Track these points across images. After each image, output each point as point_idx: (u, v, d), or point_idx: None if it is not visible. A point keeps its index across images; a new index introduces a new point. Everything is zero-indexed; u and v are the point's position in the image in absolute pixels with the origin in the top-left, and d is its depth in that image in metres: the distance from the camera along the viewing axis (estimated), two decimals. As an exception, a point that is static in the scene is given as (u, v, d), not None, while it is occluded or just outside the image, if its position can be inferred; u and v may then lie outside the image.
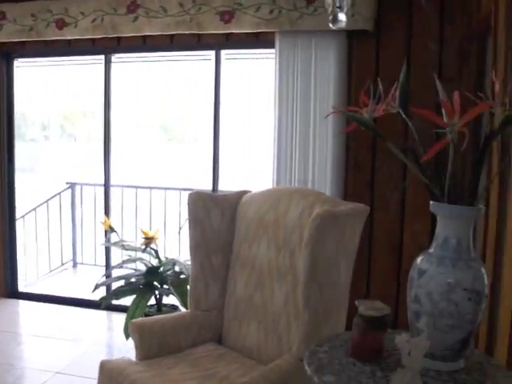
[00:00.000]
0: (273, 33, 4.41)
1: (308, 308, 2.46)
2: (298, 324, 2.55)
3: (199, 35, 4.69)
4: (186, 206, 3.10)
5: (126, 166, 6.17)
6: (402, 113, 1.92)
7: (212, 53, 4.79)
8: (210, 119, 4.84)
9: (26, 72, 5.74)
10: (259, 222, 2.95)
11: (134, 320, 2.95)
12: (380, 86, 1.91)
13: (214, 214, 3.05)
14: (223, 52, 4.78)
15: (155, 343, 2.86)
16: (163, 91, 6.30)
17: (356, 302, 1.99)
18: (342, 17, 2.46)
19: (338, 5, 2.41)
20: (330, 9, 2.45)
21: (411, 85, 2.00)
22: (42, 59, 5.66)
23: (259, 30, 4.43)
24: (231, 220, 3.11)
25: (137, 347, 2.86)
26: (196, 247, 3.05)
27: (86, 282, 5.99)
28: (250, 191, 3.21)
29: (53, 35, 4.98)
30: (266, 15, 4.34)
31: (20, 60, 5.53)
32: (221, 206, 3.08)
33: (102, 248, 5.39)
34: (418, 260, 1.85)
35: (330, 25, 2.55)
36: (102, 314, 5.11)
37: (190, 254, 3.08)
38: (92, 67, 5.77)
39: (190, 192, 3.08)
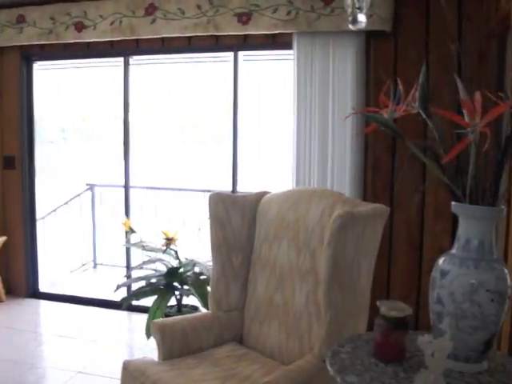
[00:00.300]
0: (290, 34, 4.41)
1: (329, 308, 2.47)
2: (320, 324, 2.56)
3: (217, 37, 4.71)
4: (206, 207, 3.12)
5: (146, 168, 6.19)
6: (422, 113, 1.92)
7: (230, 54, 4.81)
8: (228, 121, 4.85)
9: (46, 74, 5.78)
10: (279, 222, 2.96)
11: (155, 320, 2.98)
12: (400, 87, 1.91)
13: (234, 214, 3.07)
14: (241, 53, 4.78)
15: (177, 343, 2.88)
16: (181, 93, 6.32)
17: (377, 303, 2.00)
18: (361, 18, 2.46)
19: (357, 6, 2.41)
20: (349, 10, 2.45)
21: (430, 84, 2.00)
22: (61, 62, 5.72)
23: (276, 32, 4.44)
24: (251, 221, 3.13)
25: (159, 347, 2.88)
26: (217, 248, 3.08)
27: (106, 283, 6.05)
28: (270, 192, 3.22)
29: (72, 38, 5.03)
30: (283, 16, 4.35)
31: (39, 63, 5.59)
32: (241, 207, 3.10)
33: (121, 249, 5.43)
34: (441, 261, 1.85)
35: (350, 26, 2.56)
36: (122, 314, 5.16)
37: (212, 255, 3.10)
38: (110, 69, 5.82)
39: (210, 193, 3.10)
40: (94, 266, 7.04)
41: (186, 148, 6.69)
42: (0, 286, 5.47)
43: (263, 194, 3.20)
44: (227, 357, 2.87)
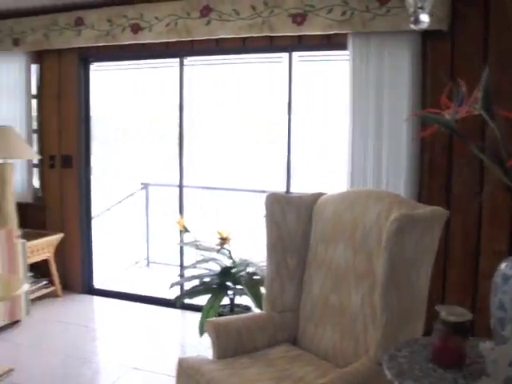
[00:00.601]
0: (345, 34, 4.38)
1: (386, 311, 2.44)
2: (375, 327, 2.54)
3: (271, 37, 4.71)
4: (261, 207, 3.13)
5: (201, 167, 6.23)
6: (485, 115, 1.89)
7: (284, 55, 4.81)
8: (283, 121, 4.86)
9: (102, 75, 5.90)
10: (336, 223, 2.95)
11: (211, 319, 3.01)
12: (464, 88, 1.88)
13: (289, 215, 3.08)
14: (295, 54, 4.78)
15: (231, 343, 2.90)
16: (235, 94, 6.35)
17: (436, 307, 1.97)
18: (424, 17, 2.42)
19: (419, 5, 2.37)
20: (411, 9, 2.42)
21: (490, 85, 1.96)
22: (118, 63, 5.83)
23: (331, 32, 4.42)
24: (307, 221, 3.12)
25: (213, 346, 2.91)
26: (272, 248, 3.08)
27: (159, 281, 6.13)
28: (326, 193, 3.21)
29: (128, 39, 5.12)
30: (338, 17, 4.32)
31: (96, 64, 5.71)
32: (297, 208, 3.10)
33: (174, 247, 5.49)
34: (503, 266, 1.81)
35: (412, 26, 2.52)
36: (175, 312, 5.21)
37: (267, 255, 3.11)
38: (165, 70, 5.89)
39: (266, 194, 3.12)
40: (147, 264, 7.14)
41: (241, 148, 6.72)
42: (57, 282, 5.62)
43: (319, 194, 3.19)
44: (281, 357, 2.87)
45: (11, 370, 3.96)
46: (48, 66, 5.80)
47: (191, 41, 5.00)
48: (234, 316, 3.26)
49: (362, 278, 2.74)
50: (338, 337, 2.82)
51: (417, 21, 2.43)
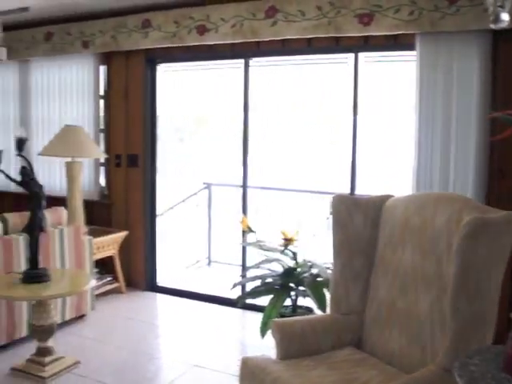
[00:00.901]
0: (412, 34, 4.31)
1: (456, 318, 2.39)
2: (444, 333, 2.48)
3: (337, 38, 4.69)
4: (325, 208, 3.12)
5: (265, 168, 6.24)
6: None
7: (350, 55, 4.77)
8: (348, 122, 4.82)
9: (168, 76, 5.98)
10: (404, 226, 2.90)
11: (276, 319, 3.02)
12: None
13: (356, 217, 3.05)
14: (361, 55, 4.73)
15: (295, 344, 2.89)
16: (300, 94, 6.34)
17: (511, 315, 1.91)
18: (504, 16, 2.35)
19: (499, 4, 2.30)
20: (491, 8, 2.35)
21: None
22: (183, 64, 5.91)
23: (398, 32, 4.36)
24: (374, 224, 3.08)
25: (277, 346, 2.91)
26: (338, 249, 3.06)
27: (220, 280, 6.18)
28: (393, 195, 3.16)
29: (194, 41, 5.19)
30: (405, 17, 4.26)
31: (162, 65, 5.80)
32: (364, 210, 3.07)
33: (235, 247, 5.52)
34: None
35: (491, 25, 2.45)
36: (235, 311, 5.24)
37: (333, 256, 3.09)
38: (230, 71, 5.94)
39: (332, 195, 3.10)
40: (208, 263, 7.20)
41: (304, 148, 6.70)
42: (121, 279, 5.74)
43: (387, 197, 3.14)
44: (345, 361, 2.84)
45: (78, 363, 4.06)
46: (116, 68, 5.94)
47: (256, 42, 5.02)
48: (299, 317, 3.26)
49: (430, 283, 2.68)
50: (405, 342, 2.77)
51: (497, 20, 2.36)
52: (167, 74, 5.91)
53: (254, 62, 5.24)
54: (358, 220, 3.05)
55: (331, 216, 3.20)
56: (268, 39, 4.88)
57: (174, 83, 6.22)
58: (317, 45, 4.82)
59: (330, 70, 5.60)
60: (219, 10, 5.01)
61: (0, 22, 5.75)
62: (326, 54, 5.03)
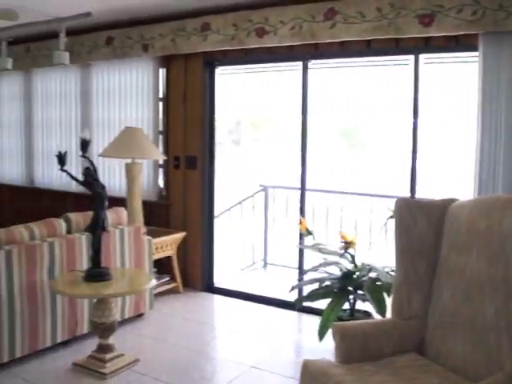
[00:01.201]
0: (475, 35, 4.22)
1: (525, 325, 2.33)
2: (511, 341, 2.42)
3: (397, 39, 4.63)
4: (384, 212, 3.09)
5: (320, 170, 6.21)
6: None
7: (410, 57, 4.71)
8: (407, 124, 4.75)
9: (225, 79, 6.03)
10: (469, 231, 2.83)
11: (337, 323, 2.99)
12: None
13: (420, 220, 3.00)
14: (422, 56, 4.66)
15: (356, 348, 2.86)
16: (358, 97, 6.30)
17: None
18: None
19: None
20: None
21: None
22: (241, 66, 5.94)
23: (461, 33, 4.27)
24: (437, 228, 3.02)
25: (337, 350, 2.89)
26: (401, 253, 3.02)
27: (276, 282, 6.19)
28: (458, 199, 3.10)
29: (253, 43, 5.20)
30: (468, 16, 4.17)
31: (221, 68, 5.85)
32: (427, 213, 3.01)
33: (292, 250, 5.51)
34: None
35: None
36: (291, 313, 5.24)
37: (395, 260, 3.05)
38: (286, 73, 5.95)
39: (395, 198, 3.06)
40: (264, 266, 7.21)
41: (362, 151, 6.66)
42: (179, 279, 5.81)
43: (451, 200, 3.07)
44: (407, 366, 2.80)
45: (137, 361, 4.14)
46: (175, 70, 6.02)
47: (315, 44, 5.01)
48: (359, 321, 3.22)
49: (496, 288, 2.61)
50: (469, 349, 2.70)
51: None
52: (223, 77, 5.95)
53: (312, 64, 5.22)
54: (421, 224, 3.00)
55: (391, 219, 3.16)
56: (327, 41, 4.85)
57: (230, 86, 6.25)
58: (376, 47, 4.77)
59: (390, 72, 5.54)
60: (278, 13, 5.01)
61: (63, 28, 5.91)
62: (386, 56, 4.96)
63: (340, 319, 4.01)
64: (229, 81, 6.07)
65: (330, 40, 4.81)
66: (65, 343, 4.39)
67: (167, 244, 5.64)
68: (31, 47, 7.01)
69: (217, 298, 5.86)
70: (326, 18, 4.76)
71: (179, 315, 5.25)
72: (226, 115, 6.12)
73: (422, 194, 4.68)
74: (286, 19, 4.98)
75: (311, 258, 5.06)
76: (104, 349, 4.04)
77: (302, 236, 4.96)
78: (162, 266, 5.77)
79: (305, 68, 5.20)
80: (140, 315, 5.06)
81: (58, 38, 5.91)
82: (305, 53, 5.15)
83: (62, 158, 4.00)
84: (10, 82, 7.77)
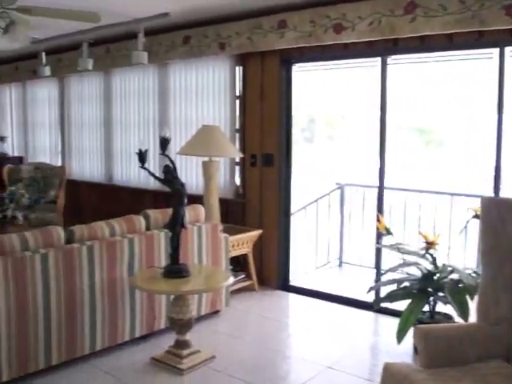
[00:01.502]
0: None
1: None
2: None
3: (480, 32, 4.45)
4: (463, 211, 2.97)
5: (398, 168, 6.05)
6: None
7: (495, 50, 4.52)
8: (491, 120, 4.57)
9: (301, 76, 5.97)
10: None
11: (420, 326, 2.90)
12: None
13: (508, 221, 2.86)
14: (507, 49, 4.46)
15: (440, 352, 2.76)
16: (439, 92, 6.11)
17: None
18: None
19: None
20: None
21: None
22: (315, 63, 5.88)
23: (551, 23, 4.07)
24: (528, 229, 2.88)
25: (420, 354, 2.79)
26: (487, 255, 2.90)
27: (352, 282, 6.10)
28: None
29: (330, 40, 5.13)
30: (561, 5, 3.96)
31: (298, 65, 5.80)
32: (517, 213, 2.88)
33: (368, 249, 5.41)
34: None
35: None
36: (367, 314, 5.14)
37: (481, 262, 2.93)
38: (363, 70, 5.84)
39: (482, 197, 2.94)
40: (340, 265, 7.12)
41: (441, 148, 6.47)
42: (254, 277, 5.81)
43: (542, 200, 2.94)
44: (494, 374, 2.67)
45: (213, 357, 4.16)
46: (251, 68, 6.03)
47: (393, 39, 4.89)
48: (443, 324, 3.13)
49: None
50: (562, 357, 2.57)
51: None
52: (298, 74, 5.89)
53: (391, 59, 5.10)
54: (510, 224, 2.86)
55: (475, 219, 3.04)
56: (406, 36, 4.73)
57: (304, 83, 6.18)
58: (458, 40, 4.60)
59: (472, 66, 5.34)
60: (356, 8, 4.92)
61: (142, 28, 6.03)
62: (469, 50, 4.78)
63: (420, 322, 3.91)
64: (302, 78, 5.98)
65: (411, 34, 4.68)
66: (143, 338, 4.48)
67: (243, 242, 5.66)
68: (111, 48, 7.19)
69: (292, 296, 5.83)
70: (406, 11, 4.64)
71: (254, 313, 5.26)
72: (299, 113, 6.04)
73: (506, 193, 4.49)
74: (364, 14, 4.88)
75: (388, 258, 4.96)
76: (181, 345, 4.09)
77: (379, 235, 4.86)
78: (237, 264, 5.79)
79: (384, 64, 5.08)
80: (216, 312, 5.09)
81: (136, 38, 6.04)
82: (383, 48, 5.03)
83: (142, 156, 4.08)
84: (91, 83, 8.01)
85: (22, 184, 7.68)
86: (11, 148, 10.03)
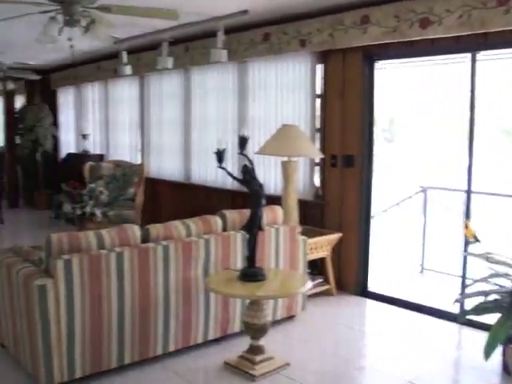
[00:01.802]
0: None
1: None
2: None
3: None
4: None
5: (479, 171, 5.69)
6: None
7: None
8: None
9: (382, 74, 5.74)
10: None
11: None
12: None
13: None
14: None
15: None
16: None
17: None
18: None
19: None
20: None
21: None
22: (401, 60, 5.63)
23: None
24: None
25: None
26: None
27: (434, 290, 5.81)
28: None
29: (416, 35, 4.90)
30: None
31: (380, 62, 5.58)
32: None
33: (451, 256, 5.10)
34: None
35: None
36: (451, 325, 4.84)
37: None
38: (450, 66, 5.54)
39: None
40: (421, 271, 6.79)
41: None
42: (332, 281, 5.64)
43: None
44: None
45: (287, 365, 4.03)
46: (332, 66, 5.86)
47: (484, 33, 4.58)
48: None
49: None
50: None
51: None
52: (380, 72, 5.65)
53: (481, 55, 4.79)
54: None
55: None
56: (499, 30, 4.42)
57: (388, 81, 5.93)
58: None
59: None
60: (444, 1, 4.65)
61: (222, 26, 5.97)
62: None
63: (510, 338, 3.62)
64: (383, 76, 5.74)
65: (503, 28, 4.37)
66: (217, 340, 4.42)
67: (322, 245, 5.49)
68: (190, 46, 7.20)
69: (370, 302, 5.61)
70: (500, 3, 4.33)
71: (331, 319, 5.09)
72: (380, 112, 5.82)
73: None
74: (453, 7, 4.60)
75: (475, 267, 4.65)
76: (255, 350, 3.98)
77: (467, 242, 4.57)
78: (315, 267, 5.63)
79: (473, 60, 4.78)
80: (291, 317, 4.95)
81: (215, 36, 6.00)
82: (473, 43, 4.74)
83: (220, 155, 4.02)
84: (170, 81, 8.07)
85: (103, 181, 7.81)
86: (92, 145, 10.30)
